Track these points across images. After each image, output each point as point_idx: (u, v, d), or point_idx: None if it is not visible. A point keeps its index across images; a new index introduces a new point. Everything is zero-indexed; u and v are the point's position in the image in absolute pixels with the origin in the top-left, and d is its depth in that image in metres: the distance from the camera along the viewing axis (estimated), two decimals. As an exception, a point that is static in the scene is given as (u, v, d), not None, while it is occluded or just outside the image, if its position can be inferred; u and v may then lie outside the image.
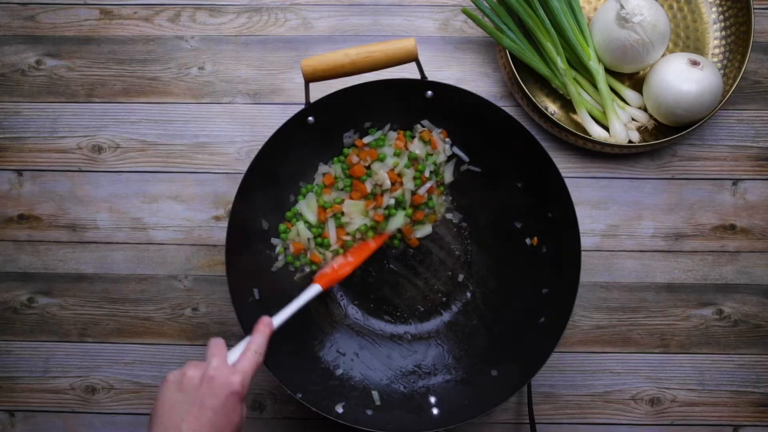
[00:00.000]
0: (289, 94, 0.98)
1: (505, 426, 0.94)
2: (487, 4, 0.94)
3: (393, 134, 0.90)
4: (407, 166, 0.88)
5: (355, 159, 0.88)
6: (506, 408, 0.94)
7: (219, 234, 0.96)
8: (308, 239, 0.88)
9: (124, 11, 0.99)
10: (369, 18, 0.99)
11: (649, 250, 0.96)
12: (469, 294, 0.93)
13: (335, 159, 0.90)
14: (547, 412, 0.94)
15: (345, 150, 0.90)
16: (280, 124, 0.82)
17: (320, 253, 0.89)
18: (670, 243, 0.96)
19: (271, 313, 0.80)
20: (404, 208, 0.89)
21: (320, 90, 0.85)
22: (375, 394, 0.86)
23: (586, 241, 0.96)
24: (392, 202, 0.88)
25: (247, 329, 0.81)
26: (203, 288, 0.96)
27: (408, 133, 0.90)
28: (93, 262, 0.97)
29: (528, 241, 0.89)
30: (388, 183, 0.87)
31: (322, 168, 0.90)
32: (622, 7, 0.89)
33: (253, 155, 0.82)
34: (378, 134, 0.90)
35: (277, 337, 0.85)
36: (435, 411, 0.85)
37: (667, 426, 0.94)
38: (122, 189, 0.97)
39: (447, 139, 0.90)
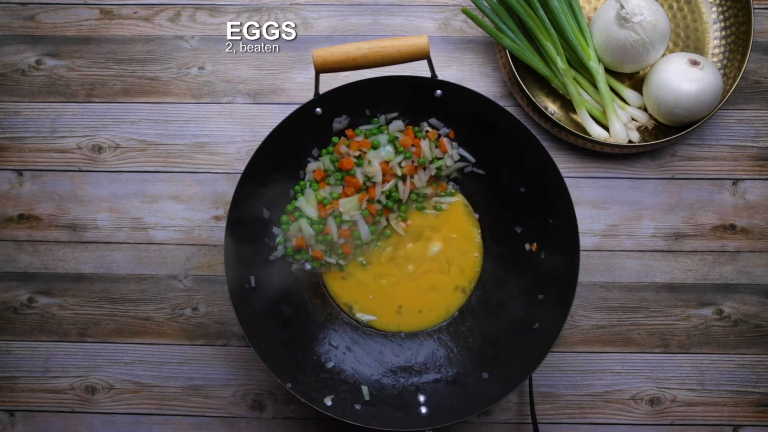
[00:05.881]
0: (289, 94, 0.98)
1: (507, 426, 0.94)
2: (487, 4, 0.94)
3: (398, 123, 0.90)
4: (407, 156, 0.88)
5: (343, 149, 0.88)
6: (507, 408, 0.94)
7: (219, 234, 0.96)
8: (310, 236, 0.88)
9: (124, 11, 0.99)
10: (369, 18, 0.99)
11: (649, 250, 0.96)
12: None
13: (323, 151, 0.90)
14: (547, 411, 0.94)
15: (334, 138, 0.90)
16: (284, 119, 0.83)
17: (322, 249, 0.89)
18: (670, 243, 0.96)
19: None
20: (399, 202, 0.90)
21: (326, 83, 0.85)
22: (365, 389, 0.87)
23: (586, 241, 0.96)
24: (383, 197, 0.89)
25: (242, 317, 0.81)
26: (203, 288, 0.96)
27: (416, 128, 0.90)
28: (93, 262, 0.97)
29: (527, 246, 0.89)
30: (379, 176, 0.88)
31: (312, 165, 0.90)
32: (622, 7, 0.89)
33: (252, 155, 0.82)
34: (378, 124, 0.90)
35: (271, 324, 0.86)
36: (423, 410, 0.85)
37: (667, 426, 0.94)
38: (122, 189, 0.97)
39: (454, 142, 0.90)
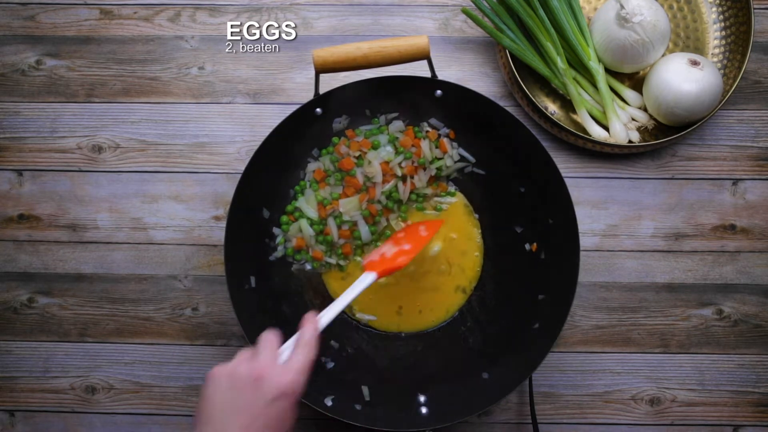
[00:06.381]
0: (289, 94, 0.98)
1: (507, 426, 0.94)
2: (487, 4, 0.94)
3: (398, 124, 0.90)
4: (407, 156, 0.88)
5: (344, 149, 0.88)
6: (507, 408, 0.94)
7: (219, 234, 0.96)
8: (310, 236, 0.88)
9: (124, 11, 0.99)
10: (369, 18, 0.99)
11: (649, 250, 0.96)
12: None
13: (323, 151, 0.90)
14: (547, 411, 0.94)
15: (334, 139, 0.90)
16: (284, 119, 0.83)
17: (323, 250, 0.89)
18: (670, 243, 0.96)
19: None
20: (399, 202, 0.90)
21: (326, 83, 0.85)
22: (365, 389, 0.86)
23: (586, 241, 0.95)
24: (383, 198, 0.89)
25: (242, 317, 0.81)
26: (203, 288, 0.96)
27: (416, 128, 0.90)
28: (93, 262, 0.97)
29: (527, 246, 0.89)
30: (380, 177, 0.88)
31: (312, 165, 0.90)
32: (622, 7, 0.89)
33: (252, 155, 0.82)
34: (378, 124, 0.90)
35: (271, 325, 0.86)
36: (424, 410, 0.85)
37: (667, 426, 0.94)
38: (122, 189, 0.97)
39: (454, 143, 0.90)
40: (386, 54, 0.79)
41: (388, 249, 0.83)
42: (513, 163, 0.87)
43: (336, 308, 0.72)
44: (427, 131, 0.90)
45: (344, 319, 0.92)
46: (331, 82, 0.91)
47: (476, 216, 0.93)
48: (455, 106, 0.87)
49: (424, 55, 0.80)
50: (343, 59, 0.79)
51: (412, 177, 0.89)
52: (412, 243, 0.82)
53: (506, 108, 0.84)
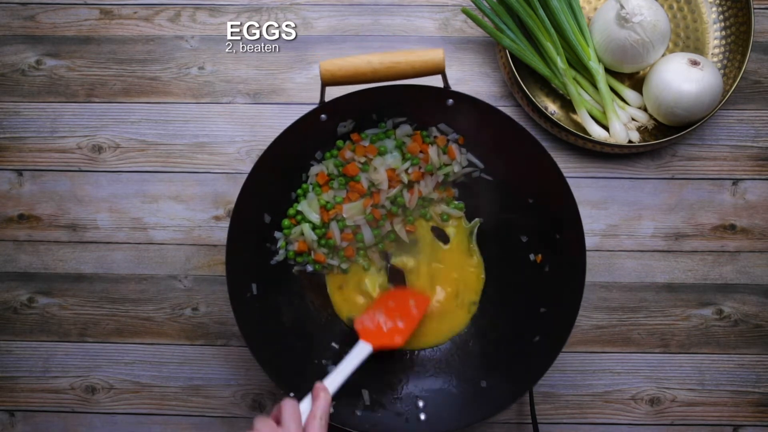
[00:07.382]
0: (289, 94, 0.98)
1: (507, 426, 0.94)
2: (487, 4, 0.94)
3: (406, 128, 0.88)
4: (414, 162, 0.87)
5: (348, 154, 0.87)
6: (507, 408, 0.94)
7: (219, 234, 0.96)
8: (313, 240, 0.88)
9: (124, 11, 0.99)
10: (369, 18, 0.99)
11: (649, 250, 0.96)
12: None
13: (327, 154, 0.89)
14: (547, 411, 0.94)
15: (338, 142, 0.88)
16: (283, 123, 0.82)
17: (325, 252, 0.89)
18: (670, 243, 0.96)
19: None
20: (404, 207, 0.89)
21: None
22: (365, 393, 0.86)
23: (586, 242, 0.95)
24: (387, 203, 0.88)
25: (243, 326, 0.81)
26: (203, 288, 0.96)
27: (424, 133, 0.88)
28: (93, 262, 0.97)
29: (532, 257, 0.88)
30: (385, 184, 0.87)
31: (314, 168, 0.89)
32: (622, 7, 0.89)
33: (253, 155, 0.82)
34: (384, 128, 0.88)
35: (272, 331, 0.85)
36: (422, 416, 0.85)
37: (667, 426, 0.94)
38: (122, 189, 0.97)
39: (463, 148, 0.89)
40: (399, 70, 0.75)
41: (382, 319, 0.85)
42: (524, 175, 0.86)
43: (340, 377, 0.77)
44: (435, 137, 0.88)
45: (344, 321, 0.92)
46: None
47: (481, 220, 0.92)
48: (467, 116, 0.84)
49: (439, 70, 0.76)
50: (352, 73, 0.75)
51: (418, 183, 0.89)
52: (405, 321, 0.85)
53: (506, 108, 0.84)
